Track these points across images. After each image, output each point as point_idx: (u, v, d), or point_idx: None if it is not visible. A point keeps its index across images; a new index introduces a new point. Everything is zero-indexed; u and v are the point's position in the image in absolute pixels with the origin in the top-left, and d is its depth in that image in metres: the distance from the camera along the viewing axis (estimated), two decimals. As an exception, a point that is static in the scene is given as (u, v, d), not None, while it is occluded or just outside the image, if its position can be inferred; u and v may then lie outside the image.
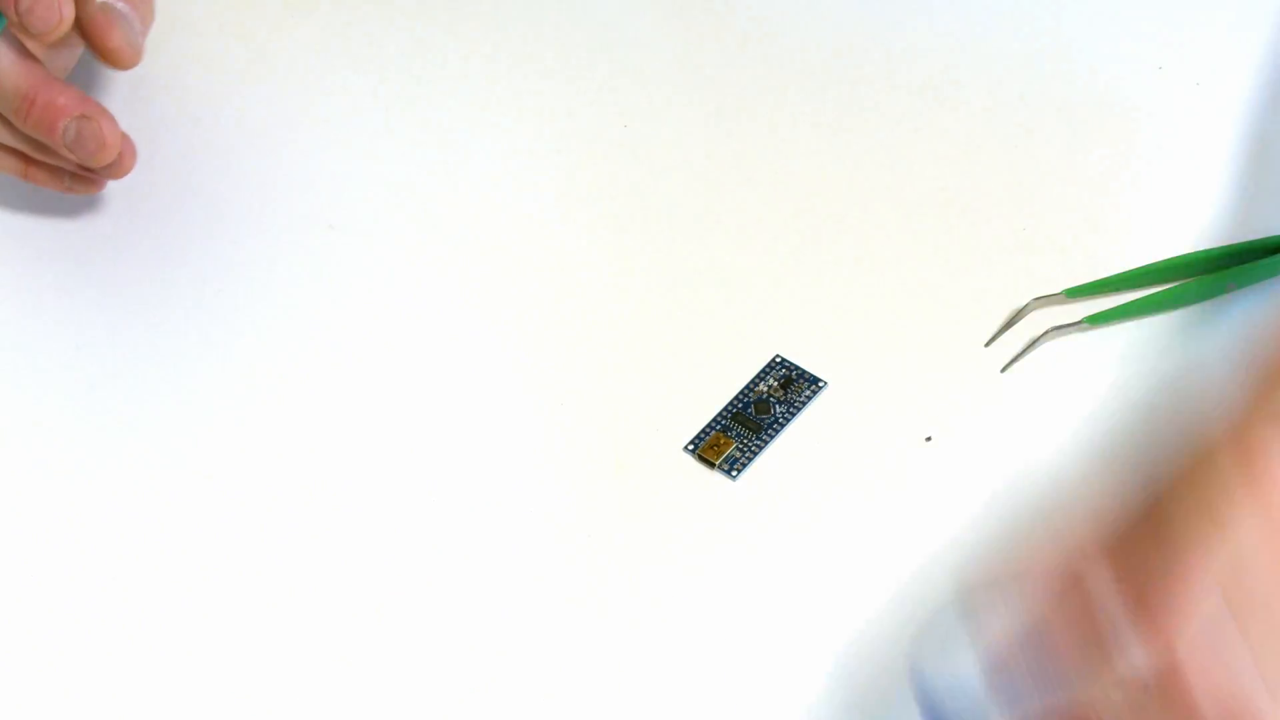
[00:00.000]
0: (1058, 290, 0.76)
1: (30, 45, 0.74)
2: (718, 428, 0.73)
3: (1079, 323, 0.75)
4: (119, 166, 0.76)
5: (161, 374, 0.75)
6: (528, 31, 0.87)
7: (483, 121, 0.84)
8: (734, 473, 0.72)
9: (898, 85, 0.84)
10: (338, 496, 0.71)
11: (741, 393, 0.74)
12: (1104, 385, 0.74)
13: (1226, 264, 0.75)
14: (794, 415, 0.73)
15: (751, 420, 0.73)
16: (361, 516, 0.71)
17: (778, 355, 0.75)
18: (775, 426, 0.73)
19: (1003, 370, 0.74)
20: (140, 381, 0.75)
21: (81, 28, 0.73)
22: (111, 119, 0.74)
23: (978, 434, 0.72)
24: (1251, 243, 0.76)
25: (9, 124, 0.75)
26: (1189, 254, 0.76)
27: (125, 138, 0.76)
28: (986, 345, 0.75)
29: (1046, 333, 0.74)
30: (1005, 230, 0.79)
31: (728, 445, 0.72)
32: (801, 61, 0.85)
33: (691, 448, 0.73)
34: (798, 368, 0.75)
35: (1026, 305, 0.75)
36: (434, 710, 0.66)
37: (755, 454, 0.72)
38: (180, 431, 0.73)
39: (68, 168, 0.77)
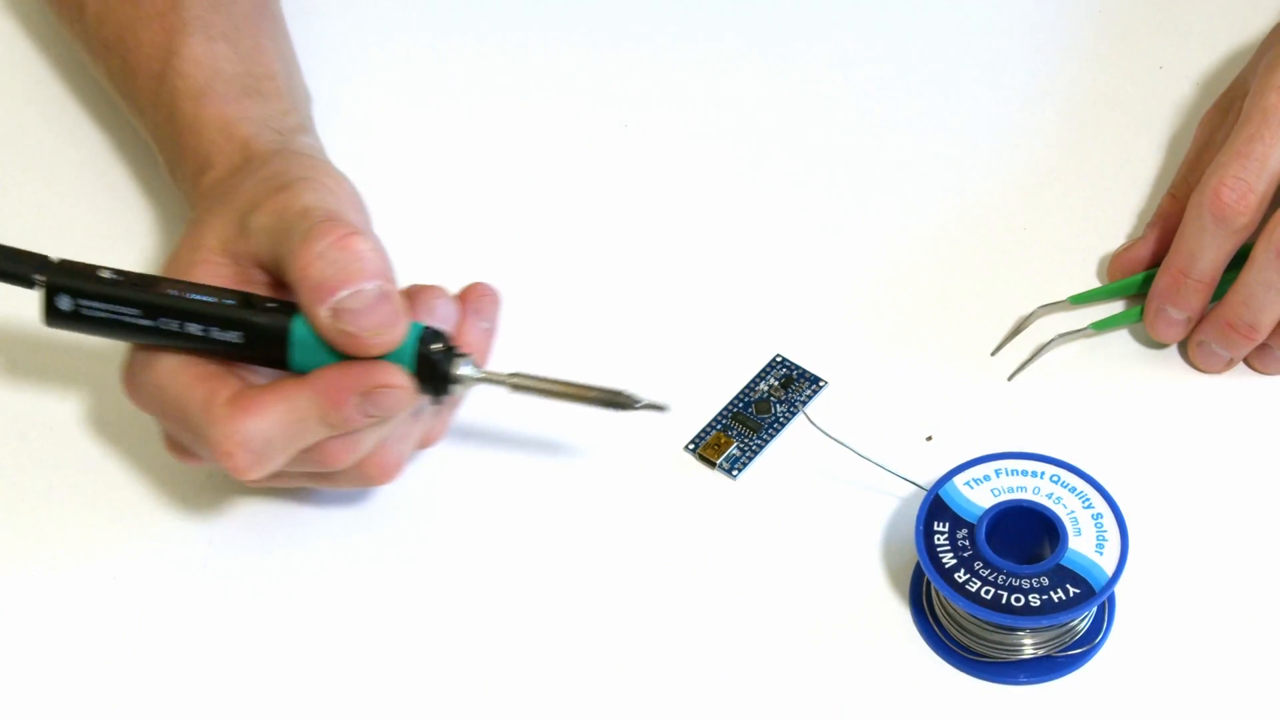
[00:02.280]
0: (1062, 298, 0.76)
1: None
2: (718, 427, 0.73)
3: (1085, 329, 0.75)
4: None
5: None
6: (528, 32, 0.87)
7: (482, 121, 0.84)
8: (734, 472, 0.72)
9: (900, 87, 0.84)
10: (339, 494, 0.71)
11: (742, 392, 0.74)
12: (1111, 389, 0.74)
13: (1229, 267, 0.74)
14: (794, 415, 0.73)
15: (752, 420, 0.73)
16: (362, 513, 0.70)
17: (778, 355, 0.75)
18: (776, 426, 0.73)
19: (1010, 379, 0.74)
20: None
21: None
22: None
23: (982, 436, 0.72)
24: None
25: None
26: None
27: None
28: (993, 354, 0.75)
29: (1053, 340, 0.74)
30: (1007, 234, 0.79)
31: (728, 444, 0.72)
32: (803, 63, 0.85)
33: (692, 447, 0.72)
34: (798, 367, 0.75)
35: (1032, 313, 0.75)
36: (435, 702, 0.66)
37: (756, 453, 0.72)
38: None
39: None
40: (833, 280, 0.78)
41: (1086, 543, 0.65)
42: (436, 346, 0.64)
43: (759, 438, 0.73)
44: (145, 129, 0.75)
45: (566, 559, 0.69)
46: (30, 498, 0.71)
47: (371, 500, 0.71)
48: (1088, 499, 0.66)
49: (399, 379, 0.62)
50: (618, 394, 0.66)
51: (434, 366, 0.64)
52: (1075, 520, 0.66)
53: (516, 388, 0.66)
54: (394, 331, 0.62)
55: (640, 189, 0.81)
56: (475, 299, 0.68)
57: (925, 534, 0.66)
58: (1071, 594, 0.64)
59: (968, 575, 0.65)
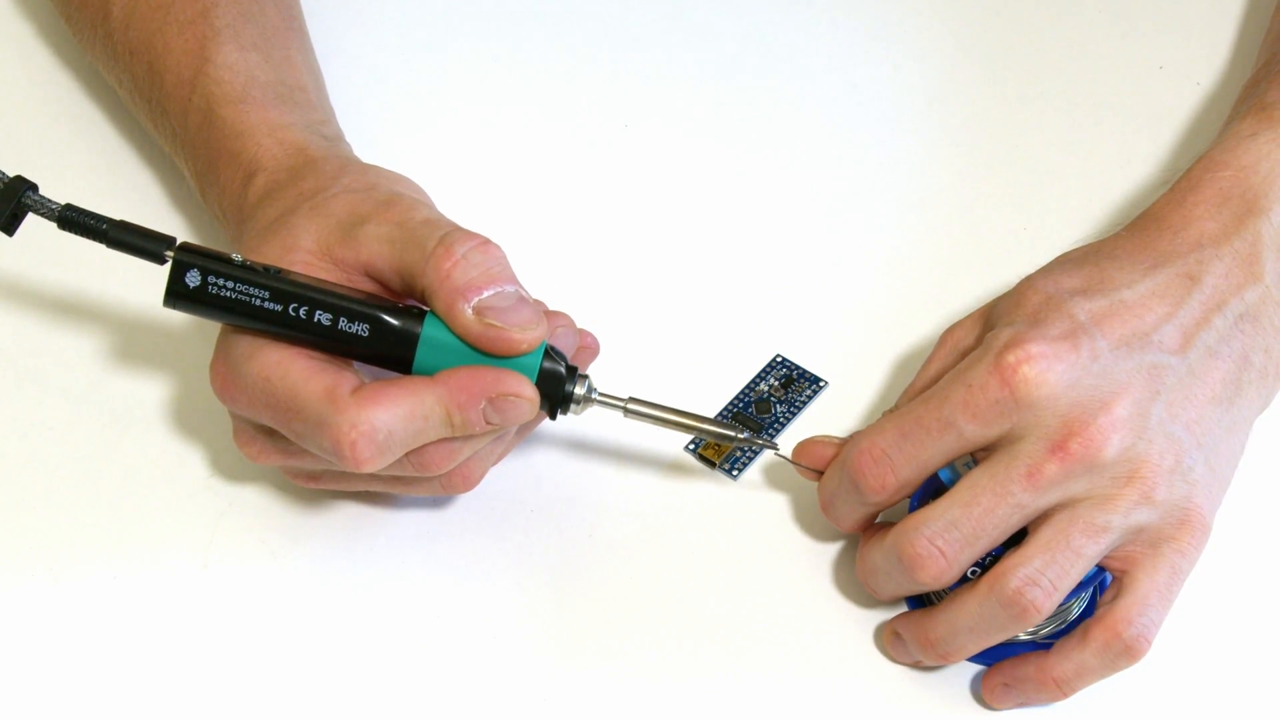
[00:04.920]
0: None
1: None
2: (719, 427, 0.73)
3: None
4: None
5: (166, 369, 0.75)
6: (528, 32, 0.87)
7: (484, 123, 0.84)
8: (735, 472, 0.72)
9: (898, 85, 0.84)
10: (338, 495, 0.71)
11: (742, 392, 0.74)
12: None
13: None
14: (795, 415, 0.73)
15: (752, 420, 0.73)
16: (360, 514, 0.70)
17: (778, 355, 0.75)
18: (776, 426, 0.73)
19: None
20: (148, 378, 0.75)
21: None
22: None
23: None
24: None
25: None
26: None
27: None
28: None
29: None
30: (1007, 234, 0.79)
31: (729, 445, 0.72)
32: (802, 63, 0.85)
33: (693, 447, 0.72)
34: (798, 367, 0.75)
35: None
36: (433, 702, 0.66)
37: (756, 453, 0.72)
38: (184, 430, 0.73)
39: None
40: (833, 280, 0.78)
41: None
42: (561, 363, 0.65)
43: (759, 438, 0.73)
44: (169, 136, 0.75)
45: (567, 558, 0.69)
46: (30, 498, 0.71)
47: (370, 502, 0.71)
48: None
49: (527, 390, 0.63)
50: (731, 430, 0.68)
51: (558, 382, 0.65)
52: None
53: (630, 413, 0.67)
54: (537, 330, 0.63)
55: (641, 189, 0.81)
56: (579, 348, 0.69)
57: None
58: None
59: None
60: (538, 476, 0.72)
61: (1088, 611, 0.66)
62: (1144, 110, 0.83)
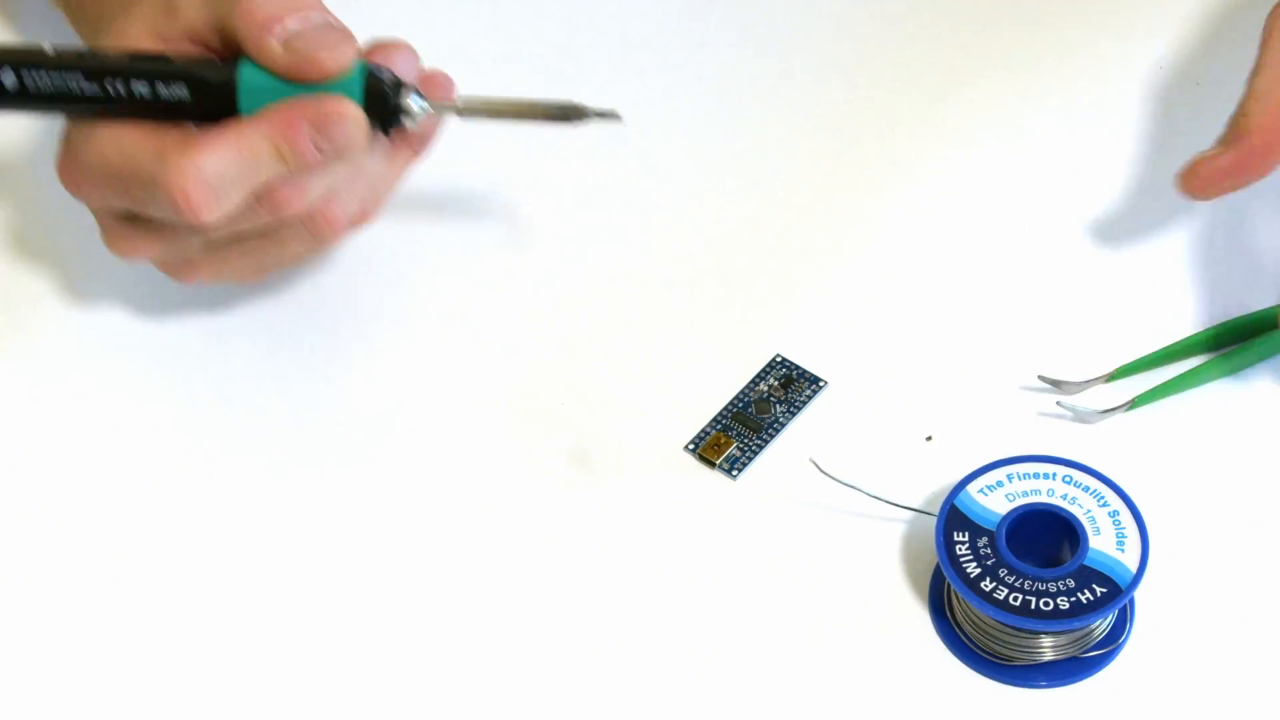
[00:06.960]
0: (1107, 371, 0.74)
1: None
2: (718, 427, 0.73)
3: (1122, 405, 0.73)
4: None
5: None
6: (527, 31, 0.87)
7: (482, 121, 0.84)
8: (734, 472, 0.72)
9: (899, 87, 0.84)
10: (339, 491, 0.71)
11: (742, 392, 0.74)
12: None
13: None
14: (795, 415, 0.73)
15: (752, 420, 0.73)
16: (361, 514, 0.71)
17: (778, 355, 0.75)
18: (776, 426, 0.73)
19: None
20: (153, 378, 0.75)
21: None
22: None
23: (983, 436, 0.72)
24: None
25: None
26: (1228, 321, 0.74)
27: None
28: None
29: (1092, 415, 0.72)
30: (1007, 234, 0.79)
31: (728, 445, 0.72)
32: (804, 63, 0.85)
33: (692, 447, 0.72)
34: (798, 367, 0.75)
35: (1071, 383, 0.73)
36: (432, 703, 0.66)
37: (756, 454, 0.72)
38: (184, 430, 0.73)
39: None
40: (833, 280, 0.78)
41: (1107, 541, 0.65)
42: (383, 78, 0.66)
43: (759, 438, 0.73)
44: None
45: (566, 559, 0.69)
46: (30, 498, 0.71)
47: (371, 501, 0.71)
48: (1102, 497, 0.66)
49: (350, 109, 0.64)
50: (568, 106, 0.68)
51: (383, 98, 0.65)
52: (1093, 519, 0.66)
53: (464, 112, 0.68)
54: (344, 49, 0.64)
55: (640, 188, 0.81)
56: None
57: (946, 545, 0.66)
58: (1099, 593, 0.64)
59: (994, 584, 0.65)
60: (535, 477, 0.72)
61: (1116, 629, 0.66)
62: (1144, 110, 0.83)
